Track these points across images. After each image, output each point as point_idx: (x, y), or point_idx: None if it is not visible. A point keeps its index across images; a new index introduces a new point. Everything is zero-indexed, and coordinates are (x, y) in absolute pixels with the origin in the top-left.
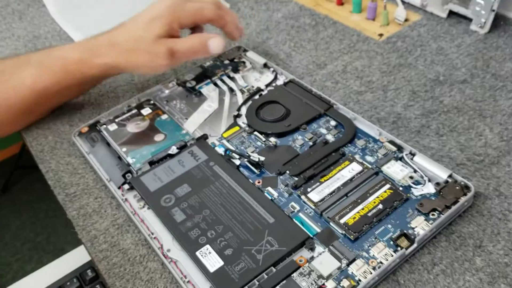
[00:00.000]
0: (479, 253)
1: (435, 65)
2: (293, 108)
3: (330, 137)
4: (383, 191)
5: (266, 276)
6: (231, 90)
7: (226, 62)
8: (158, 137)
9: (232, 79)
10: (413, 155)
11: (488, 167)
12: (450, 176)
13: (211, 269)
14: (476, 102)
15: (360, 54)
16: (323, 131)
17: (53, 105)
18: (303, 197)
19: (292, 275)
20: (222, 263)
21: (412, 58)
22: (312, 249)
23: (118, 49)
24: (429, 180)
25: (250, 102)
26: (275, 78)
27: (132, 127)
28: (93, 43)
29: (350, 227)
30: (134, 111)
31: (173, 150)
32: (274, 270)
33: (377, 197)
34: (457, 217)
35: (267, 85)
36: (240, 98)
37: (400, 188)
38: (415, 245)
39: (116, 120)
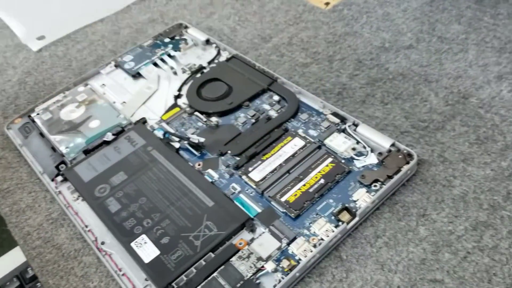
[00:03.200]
0: (423, 222)
1: (381, 32)
2: (235, 85)
3: (273, 113)
4: (325, 165)
5: (204, 263)
6: (172, 69)
7: (167, 40)
8: (94, 124)
9: (173, 58)
10: (356, 126)
11: (433, 133)
12: (393, 145)
13: (146, 259)
14: (421, 67)
15: (306, 24)
16: (266, 107)
17: None
18: (244, 177)
19: (230, 260)
20: (158, 252)
21: (358, 26)
22: (252, 230)
23: None
24: (372, 151)
25: (191, 81)
26: (218, 55)
27: (67, 115)
28: None
29: (291, 204)
30: (70, 97)
31: (109, 136)
32: (212, 255)
33: (319, 172)
34: (401, 187)
35: (209, 62)
36: (181, 78)
37: (343, 161)
38: (357, 218)
39: (50, 108)
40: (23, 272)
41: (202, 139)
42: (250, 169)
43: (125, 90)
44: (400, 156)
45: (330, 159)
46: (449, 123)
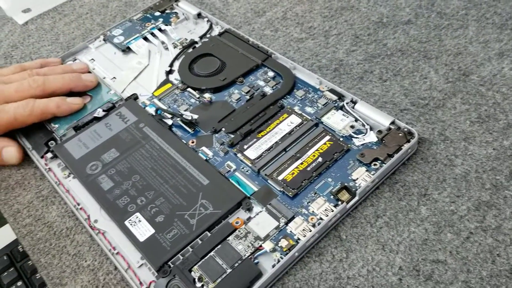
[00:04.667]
0: (424, 202)
1: (378, 6)
2: (228, 60)
3: (268, 89)
4: (323, 143)
5: (200, 242)
6: (163, 44)
7: (157, 14)
8: (84, 100)
9: (164, 32)
10: (355, 103)
11: (433, 111)
12: (393, 123)
13: (141, 238)
14: (420, 43)
15: None
16: (261, 83)
17: None
18: (239, 155)
19: (227, 239)
20: (153, 231)
21: (355, 0)
22: (249, 209)
23: None
24: (371, 129)
25: (183, 57)
26: (210, 29)
27: None
28: None
29: (289, 183)
30: None
31: (99, 113)
32: (209, 234)
33: (317, 150)
34: (401, 166)
35: (201, 37)
36: (172, 53)
37: (341, 139)
38: (356, 198)
39: None
40: (14, 250)
41: (195, 116)
42: (245, 146)
43: (114, 65)
44: (400, 135)
45: (328, 137)
46: (450, 101)
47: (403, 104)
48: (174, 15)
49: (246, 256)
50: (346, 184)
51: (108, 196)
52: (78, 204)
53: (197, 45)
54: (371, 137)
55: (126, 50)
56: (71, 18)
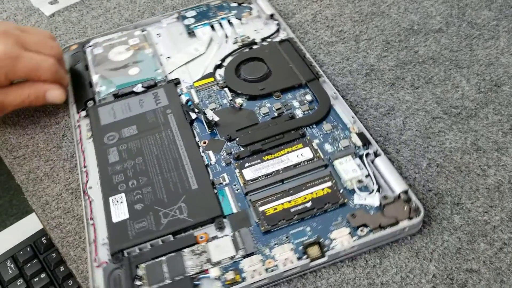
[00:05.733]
0: (458, 211)
1: (409, 13)
2: (276, 70)
3: (299, 112)
4: (321, 189)
5: (160, 243)
6: (226, 37)
7: (233, 5)
8: (133, 71)
9: (231, 25)
10: (377, 155)
11: (466, 120)
12: (405, 192)
13: (115, 219)
14: (452, 52)
15: (330, 2)
16: (295, 104)
17: None
18: (237, 171)
19: (183, 250)
20: (127, 216)
21: (385, 6)
22: (221, 228)
23: None
24: (378, 190)
25: (236, 55)
26: (276, 33)
27: (114, 55)
28: None
29: (266, 218)
30: (124, 39)
31: (138, 88)
32: (171, 238)
33: (311, 193)
34: (435, 174)
35: (263, 39)
36: (229, 48)
37: (341, 191)
38: (324, 259)
39: (103, 44)
40: (37, 241)
41: (216, 118)
42: (246, 165)
43: (175, 46)
44: (405, 208)
45: (328, 183)
46: (482, 111)
47: (435, 112)
48: (248, 10)
49: (189, 274)
50: (321, 240)
51: (109, 168)
52: (85, 167)
53: (254, 47)
54: (374, 199)
55: (192, 33)
56: (99, 12)
